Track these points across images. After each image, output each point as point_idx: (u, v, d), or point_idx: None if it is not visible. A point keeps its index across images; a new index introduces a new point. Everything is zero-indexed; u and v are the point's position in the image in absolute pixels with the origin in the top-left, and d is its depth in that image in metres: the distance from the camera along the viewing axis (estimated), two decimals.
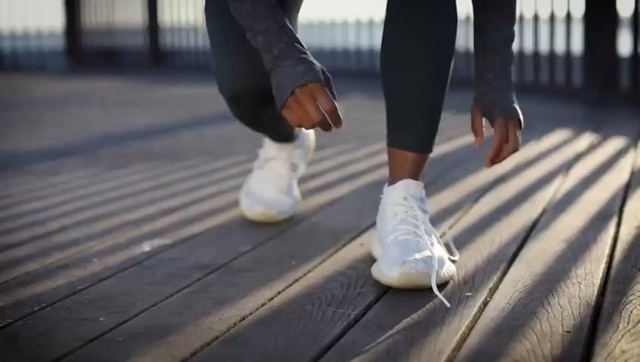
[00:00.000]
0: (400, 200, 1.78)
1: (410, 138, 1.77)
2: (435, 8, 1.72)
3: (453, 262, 1.80)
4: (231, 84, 1.98)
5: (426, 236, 1.72)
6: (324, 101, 1.60)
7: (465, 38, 6.58)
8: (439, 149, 1.82)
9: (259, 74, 1.80)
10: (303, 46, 1.64)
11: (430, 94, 1.75)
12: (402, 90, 1.74)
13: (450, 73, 1.78)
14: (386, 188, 1.82)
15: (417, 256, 1.66)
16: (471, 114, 1.89)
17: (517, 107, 1.82)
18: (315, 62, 1.63)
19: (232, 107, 2.08)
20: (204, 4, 2.03)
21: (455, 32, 1.75)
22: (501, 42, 1.83)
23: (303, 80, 1.59)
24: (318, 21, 8.63)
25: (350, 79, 6.97)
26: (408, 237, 1.71)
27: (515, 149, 1.80)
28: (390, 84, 1.76)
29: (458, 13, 1.78)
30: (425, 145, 1.78)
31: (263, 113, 2.08)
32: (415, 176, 1.80)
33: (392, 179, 1.81)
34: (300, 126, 1.63)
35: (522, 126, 1.82)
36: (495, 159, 1.79)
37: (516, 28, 6.04)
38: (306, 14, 8.26)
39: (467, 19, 6.54)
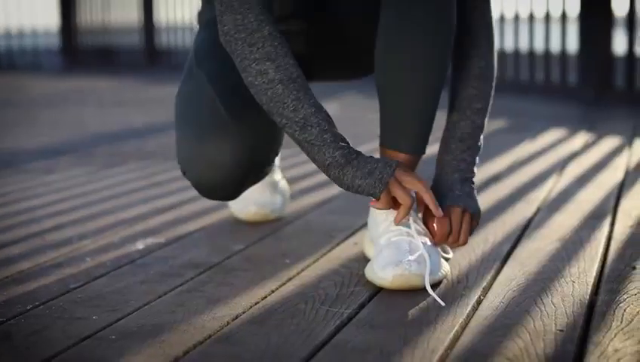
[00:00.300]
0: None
1: (403, 139, 1.76)
2: (432, 9, 1.71)
3: (446, 260, 1.80)
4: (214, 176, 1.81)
5: (418, 236, 1.72)
6: (412, 180, 1.67)
7: None
8: (433, 149, 1.82)
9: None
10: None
11: (425, 95, 1.73)
12: (396, 90, 1.73)
13: (446, 75, 1.77)
14: None
15: (410, 257, 1.66)
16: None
17: (477, 203, 1.81)
18: None
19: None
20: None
21: (452, 33, 1.73)
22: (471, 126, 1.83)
23: (392, 164, 1.66)
24: None
25: None
26: (401, 238, 1.70)
27: (463, 243, 1.77)
28: (384, 84, 1.75)
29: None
30: (417, 146, 1.76)
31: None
32: None
33: None
34: (392, 206, 1.67)
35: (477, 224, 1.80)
36: (439, 242, 1.75)
37: (511, 27, 6.03)
38: None
39: None
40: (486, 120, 1.83)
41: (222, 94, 1.81)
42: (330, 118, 1.67)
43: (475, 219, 1.78)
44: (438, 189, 1.80)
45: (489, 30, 1.86)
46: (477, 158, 1.83)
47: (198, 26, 2.08)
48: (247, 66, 1.66)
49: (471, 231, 1.77)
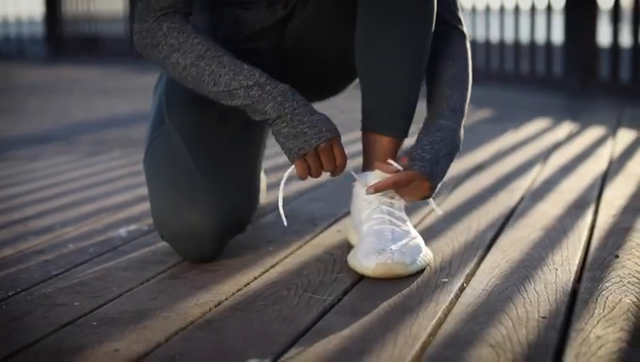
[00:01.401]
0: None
1: (384, 121, 1.75)
2: None
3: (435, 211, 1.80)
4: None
5: (400, 223, 1.72)
6: (340, 155, 1.69)
7: None
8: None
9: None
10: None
11: (406, 77, 1.72)
12: (377, 71, 1.73)
13: (427, 58, 1.76)
14: (360, 175, 1.80)
15: (393, 246, 1.65)
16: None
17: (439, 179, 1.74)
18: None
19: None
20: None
21: (434, 14, 1.73)
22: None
23: (327, 135, 1.66)
24: None
25: None
26: (384, 226, 1.70)
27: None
28: (365, 65, 1.74)
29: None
30: (400, 129, 1.76)
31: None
32: (384, 160, 1.76)
33: (366, 165, 1.80)
34: (305, 176, 1.69)
35: (430, 195, 1.74)
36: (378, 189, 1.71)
37: (497, 18, 6.03)
38: None
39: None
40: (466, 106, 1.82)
41: (194, 153, 1.78)
42: (254, 67, 1.68)
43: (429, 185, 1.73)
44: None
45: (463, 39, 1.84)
46: (462, 122, 1.79)
47: None
48: (163, 65, 1.73)
49: (423, 197, 1.74)
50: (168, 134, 1.82)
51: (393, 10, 1.69)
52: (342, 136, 1.71)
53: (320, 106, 1.87)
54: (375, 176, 1.73)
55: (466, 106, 1.80)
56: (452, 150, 1.74)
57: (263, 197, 2.31)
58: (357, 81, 1.84)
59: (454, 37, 1.82)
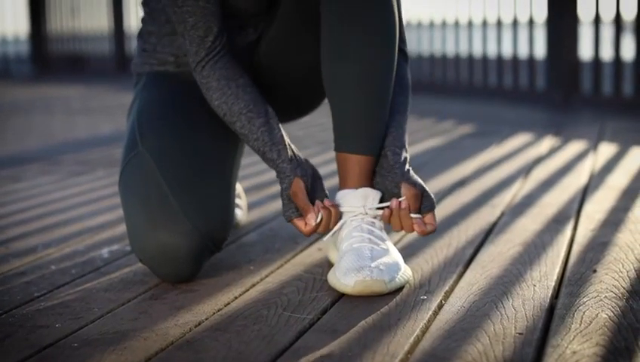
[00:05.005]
0: (357, 206, 1.77)
1: (356, 141, 1.76)
2: (373, 6, 1.72)
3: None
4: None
5: (379, 241, 1.73)
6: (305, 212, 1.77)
7: (429, 43, 6.60)
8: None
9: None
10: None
11: (369, 97, 1.74)
12: (340, 95, 1.74)
13: (393, 75, 1.77)
14: (338, 194, 1.81)
15: (372, 263, 1.67)
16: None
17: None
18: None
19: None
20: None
21: (395, 23, 1.74)
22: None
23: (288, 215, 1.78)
24: None
25: None
26: (363, 245, 1.71)
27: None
28: (330, 92, 1.77)
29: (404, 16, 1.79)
30: (372, 148, 1.76)
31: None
32: (363, 179, 1.77)
33: (341, 184, 1.81)
34: (308, 231, 1.77)
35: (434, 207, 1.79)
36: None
37: (480, 33, 6.07)
38: None
39: (430, 24, 6.60)
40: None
41: (167, 176, 1.79)
42: (281, 142, 1.77)
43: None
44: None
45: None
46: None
47: (135, 77, 2.09)
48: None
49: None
50: (141, 157, 1.83)
51: (354, 16, 1.70)
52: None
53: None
54: (352, 195, 1.75)
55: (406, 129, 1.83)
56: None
57: (244, 217, 2.32)
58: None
59: (401, 60, 1.85)
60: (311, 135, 4.09)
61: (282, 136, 1.77)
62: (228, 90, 1.80)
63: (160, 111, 1.87)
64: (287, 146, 1.76)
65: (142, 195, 1.78)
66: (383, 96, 1.75)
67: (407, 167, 1.76)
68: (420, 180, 1.76)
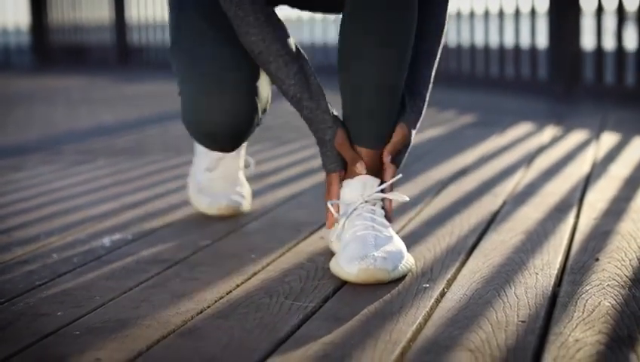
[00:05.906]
0: (356, 195, 1.77)
1: (362, 133, 1.77)
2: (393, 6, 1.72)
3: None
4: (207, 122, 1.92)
5: (383, 229, 1.73)
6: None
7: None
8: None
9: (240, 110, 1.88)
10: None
11: (381, 93, 1.75)
12: (353, 81, 1.74)
13: (405, 74, 1.77)
14: (343, 183, 1.81)
15: (376, 251, 1.66)
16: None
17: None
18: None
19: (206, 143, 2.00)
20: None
21: (414, 20, 1.74)
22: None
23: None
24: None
25: None
26: (366, 232, 1.71)
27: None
28: (343, 85, 1.77)
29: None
30: (375, 140, 1.78)
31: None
32: (370, 170, 1.79)
33: (347, 174, 1.81)
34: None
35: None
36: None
37: (482, 23, 6.06)
38: None
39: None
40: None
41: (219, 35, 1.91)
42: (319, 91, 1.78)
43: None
44: None
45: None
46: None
47: None
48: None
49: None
50: (190, 17, 1.97)
51: (374, 14, 1.70)
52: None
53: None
54: (356, 184, 1.75)
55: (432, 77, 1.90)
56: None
57: (248, 204, 2.31)
58: None
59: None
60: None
61: (319, 85, 1.78)
62: (266, 28, 1.76)
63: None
64: (325, 97, 1.78)
65: (203, 59, 1.90)
66: (389, 94, 1.75)
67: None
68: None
